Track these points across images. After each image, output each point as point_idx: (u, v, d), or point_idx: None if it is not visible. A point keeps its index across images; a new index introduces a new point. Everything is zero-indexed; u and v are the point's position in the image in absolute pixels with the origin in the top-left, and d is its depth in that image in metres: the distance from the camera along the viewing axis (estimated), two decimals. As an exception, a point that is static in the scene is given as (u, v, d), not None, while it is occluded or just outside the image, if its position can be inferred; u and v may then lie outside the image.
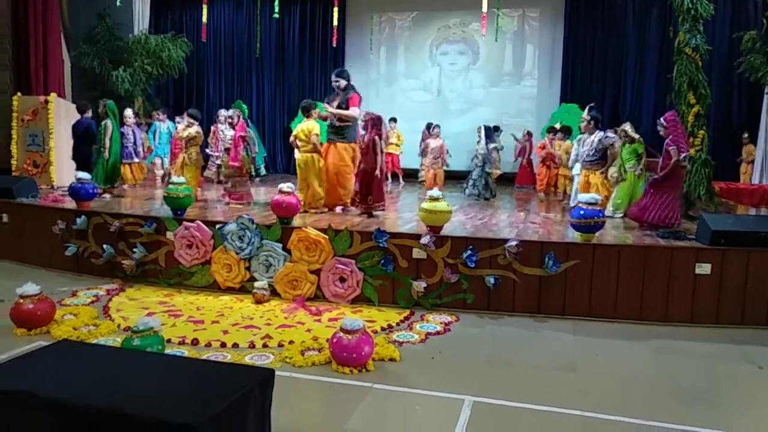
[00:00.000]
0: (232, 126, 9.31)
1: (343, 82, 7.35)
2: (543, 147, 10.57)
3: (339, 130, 7.27)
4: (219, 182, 10.42)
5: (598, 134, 6.64)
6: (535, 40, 13.30)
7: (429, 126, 11.00)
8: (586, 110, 6.94)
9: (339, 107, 7.22)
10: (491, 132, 10.13)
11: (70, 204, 7.26)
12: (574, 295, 5.57)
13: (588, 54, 12.68)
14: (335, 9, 10.39)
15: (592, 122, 6.70)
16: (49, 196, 7.98)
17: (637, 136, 7.61)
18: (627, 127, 7.76)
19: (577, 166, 7.69)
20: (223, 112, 10.61)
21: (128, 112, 10.15)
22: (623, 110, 12.28)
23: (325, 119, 7.41)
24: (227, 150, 8.71)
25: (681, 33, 7.49)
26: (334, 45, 11.93)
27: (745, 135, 11.08)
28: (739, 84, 11.30)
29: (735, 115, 11.75)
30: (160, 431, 2.35)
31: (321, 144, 7.41)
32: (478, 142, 9.70)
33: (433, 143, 10.28)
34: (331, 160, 7.28)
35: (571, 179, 8.67)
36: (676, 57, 7.54)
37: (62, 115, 9.57)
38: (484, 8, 8.14)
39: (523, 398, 3.85)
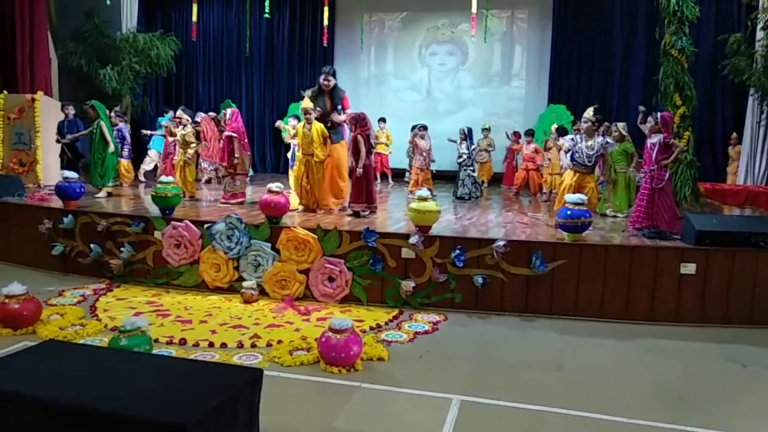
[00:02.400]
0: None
1: (333, 81, 7.35)
2: (537, 151, 10.64)
3: (336, 129, 7.35)
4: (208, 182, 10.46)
5: (599, 139, 6.61)
6: (524, 41, 13.37)
7: (415, 127, 11.00)
8: (592, 111, 6.81)
9: (335, 107, 7.25)
10: (472, 134, 10.18)
11: (56, 203, 7.21)
12: (561, 295, 5.61)
13: (575, 55, 12.77)
14: (326, 8, 10.39)
15: (596, 124, 6.63)
16: (35, 195, 7.92)
17: (626, 134, 7.71)
18: (621, 125, 7.83)
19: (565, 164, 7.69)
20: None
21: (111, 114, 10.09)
22: (610, 111, 12.34)
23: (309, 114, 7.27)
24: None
25: (667, 35, 7.59)
26: (325, 44, 11.94)
27: (734, 135, 11.21)
28: (723, 86, 11.43)
29: (719, 117, 11.88)
30: (150, 431, 2.35)
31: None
32: (461, 144, 9.79)
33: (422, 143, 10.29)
34: (335, 158, 7.33)
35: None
36: (663, 59, 7.64)
37: (49, 114, 9.50)
38: (474, 9, 8.19)
39: (511, 397, 3.88)
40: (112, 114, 9.67)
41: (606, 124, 8.70)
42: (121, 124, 10.01)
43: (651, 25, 11.47)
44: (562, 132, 10.12)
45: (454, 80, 13.79)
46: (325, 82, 7.32)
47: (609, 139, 7.00)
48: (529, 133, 10.91)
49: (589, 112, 6.81)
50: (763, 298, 5.46)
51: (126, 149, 10.06)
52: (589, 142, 6.61)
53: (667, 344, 5.04)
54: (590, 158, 6.60)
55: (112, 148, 8.29)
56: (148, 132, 11.17)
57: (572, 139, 6.91)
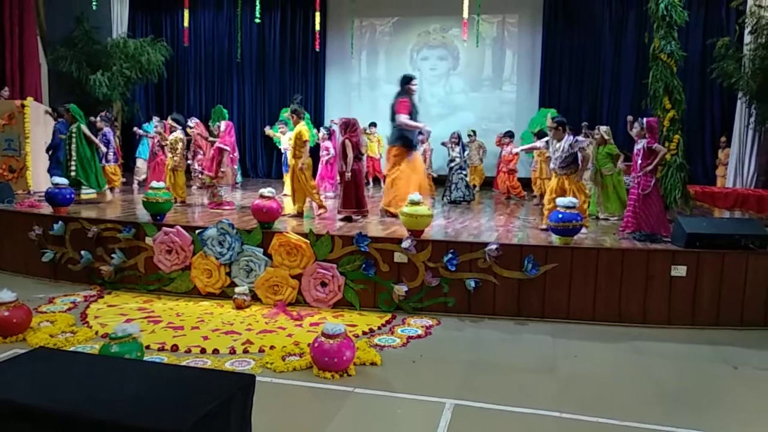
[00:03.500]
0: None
1: None
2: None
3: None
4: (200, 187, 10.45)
5: (569, 139, 6.72)
6: (515, 45, 13.44)
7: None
8: (549, 117, 7.00)
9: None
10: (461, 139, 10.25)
11: (47, 209, 7.16)
12: (553, 298, 5.63)
13: (566, 59, 12.86)
14: (317, 13, 10.42)
15: (559, 128, 6.77)
16: (25, 202, 7.87)
17: (609, 137, 7.78)
18: (603, 129, 7.91)
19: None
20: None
21: (97, 118, 10.07)
22: (600, 115, 12.45)
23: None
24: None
25: (656, 39, 7.64)
26: (317, 49, 11.96)
27: (723, 139, 11.32)
28: (713, 90, 11.54)
29: (709, 120, 12.00)
30: (140, 438, 2.34)
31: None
32: (453, 148, 9.84)
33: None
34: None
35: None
36: (652, 63, 7.69)
37: (39, 120, 9.44)
38: (465, 14, 8.22)
39: (504, 400, 3.88)
40: (98, 119, 9.62)
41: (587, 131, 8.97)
42: (106, 129, 9.96)
43: (640, 30, 11.59)
44: (542, 136, 10.19)
45: (446, 85, 13.84)
46: (415, 87, 7.52)
47: (579, 137, 7.07)
48: (509, 135, 10.93)
49: (547, 119, 6.96)
50: (753, 300, 5.51)
51: (111, 153, 10.02)
52: (557, 145, 6.72)
53: (658, 346, 5.06)
54: (557, 160, 6.69)
55: (103, 148, 8.24)
56: (140, 131, 11.12)
57: (546, 142, 7.01)
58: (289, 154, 9.74)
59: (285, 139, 10.15)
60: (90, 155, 8.15)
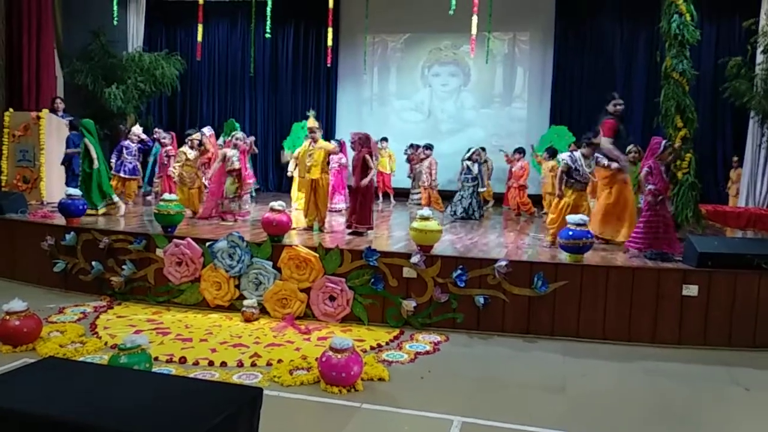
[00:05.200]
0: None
1: None
2: (524, 168, 10.68)
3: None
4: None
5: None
6: (526, 63, 13.49)
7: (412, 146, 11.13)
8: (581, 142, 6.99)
9: None
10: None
11: (59, 220, 7.23)
12: (563, 316, 5.59)
13: (577, 77, 12.88)
14: (329, 29, 10.52)
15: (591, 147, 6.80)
16: (38, 212, 7.94)
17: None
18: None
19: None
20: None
21: (138, 129, 10.19)
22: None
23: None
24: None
25: (668, 58, 7.63)
26: (329, 65, 12.07)
27: (735, 158, 11.28)
28: (725, 108, 11.51)
29: (721, 139, 11.95)
30: (147, 450, 2.33)
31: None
32: (474, 164, 9.79)
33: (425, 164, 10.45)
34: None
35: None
36: (664, 81, 7.68)
37: (53, 132, 9.56)
38: (473, 31, 8.26)
39: (512, 419, 3.85)
40: (133, 131, 9.82)
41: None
42: (126, 141, 10.08)
43: (651, 48, 11.60)
44: (552, 152, 10.19)
45: (457, 101, 13.89)
46: (620, 107, 7.15)
47: (599, 156, 7.07)
48: (519, 151, 10.94)
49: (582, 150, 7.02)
50: (766, 321, 5.44)
51: (132, 166, 10.14)
52: (585, 162, 6.76)
53: (669, 366, 5.01)
54: (583, 177, 6.73)
55: (95, 164, 8.03)
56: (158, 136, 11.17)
57: (570, 157, 6.96)
58: (299, 167, 9.78)
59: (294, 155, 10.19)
60: (88, 170, 8.04)
